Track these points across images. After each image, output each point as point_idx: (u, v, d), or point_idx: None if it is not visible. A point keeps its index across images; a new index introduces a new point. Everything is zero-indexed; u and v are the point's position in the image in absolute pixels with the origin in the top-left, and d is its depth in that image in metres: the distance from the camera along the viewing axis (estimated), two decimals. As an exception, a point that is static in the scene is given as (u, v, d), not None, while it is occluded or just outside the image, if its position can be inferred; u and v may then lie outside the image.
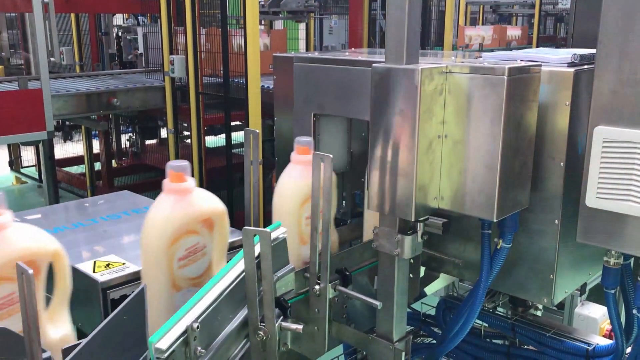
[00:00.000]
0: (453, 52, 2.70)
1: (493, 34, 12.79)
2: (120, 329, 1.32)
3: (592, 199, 1.69)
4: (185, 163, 1.71)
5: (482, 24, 14.12)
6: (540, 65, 1.81)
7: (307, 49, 9.92)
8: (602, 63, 1.65)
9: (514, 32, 13.51)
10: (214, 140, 7.15)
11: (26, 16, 7.32)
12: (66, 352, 1.33)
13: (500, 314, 2.51)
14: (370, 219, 2.09)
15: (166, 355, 1.32)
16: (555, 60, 1.87)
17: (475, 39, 12.26)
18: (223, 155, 6.34)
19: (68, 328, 1.53)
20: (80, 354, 1.20)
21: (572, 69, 1.80)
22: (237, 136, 6.51)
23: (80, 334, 1.76)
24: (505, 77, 1.66)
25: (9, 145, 9.25)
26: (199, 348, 1.40)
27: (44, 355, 1.32)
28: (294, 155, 1.96)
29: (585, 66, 1.84)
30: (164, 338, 1.34)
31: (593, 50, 1.79)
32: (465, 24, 12.76)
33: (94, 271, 1.80)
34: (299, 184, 1.92)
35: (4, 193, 1.40)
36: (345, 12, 8.98)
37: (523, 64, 1.78)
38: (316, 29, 11.30)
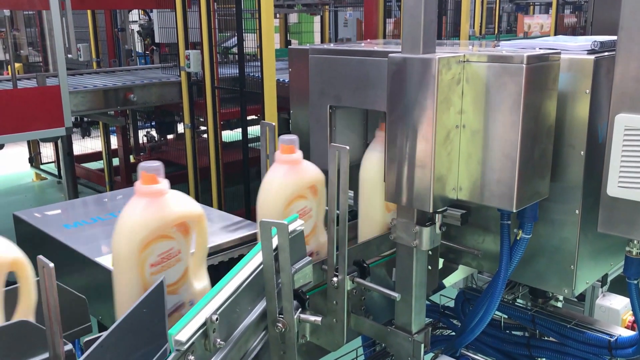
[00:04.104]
0: (470, 42, 2.67)
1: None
2: (140, 322, 1.33)
3: (614, 188, 1.67)
4: None
5: (499, 14, 14.11)
6: (559, 53, 1.78)
7: (322, 41, 9.92)
8: (624, 49, 1.62)
9: (570, 19, 14.12)
10: (231, 135, 7.17)
11: (44, 14, 7.38)
12: (87, 344, 1.34)
13: (520, 305, 2.49)
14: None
15: (186, 347, 1.32)
16: (574, 47, 1.84)
17: (535, 27, 12.51)
18: (239, 150, 6.35)
19: (206, 281, 1.69)
20: (100, 346, 1.21)
21: (592, 57, 1.77)
22: (254, 131, 6.52)
23: (101, 327, 1.78)
24: (524, 65, 1.64)
25: (28, 142, 9.37)
26: (219, 340, 1.40)
27: (66, 347, 1.34)
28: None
29: (606, 53, 1.81)
30: (183, 330, 1.34)
31: (613, 37, 1.76)
32: (482, 15, 12.73)
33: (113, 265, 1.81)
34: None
35: (161, 164, 1.51)
36: (360, 4, 8.93)
37: (542, 51, 1.75)
38: (331, 21, 11.28)
